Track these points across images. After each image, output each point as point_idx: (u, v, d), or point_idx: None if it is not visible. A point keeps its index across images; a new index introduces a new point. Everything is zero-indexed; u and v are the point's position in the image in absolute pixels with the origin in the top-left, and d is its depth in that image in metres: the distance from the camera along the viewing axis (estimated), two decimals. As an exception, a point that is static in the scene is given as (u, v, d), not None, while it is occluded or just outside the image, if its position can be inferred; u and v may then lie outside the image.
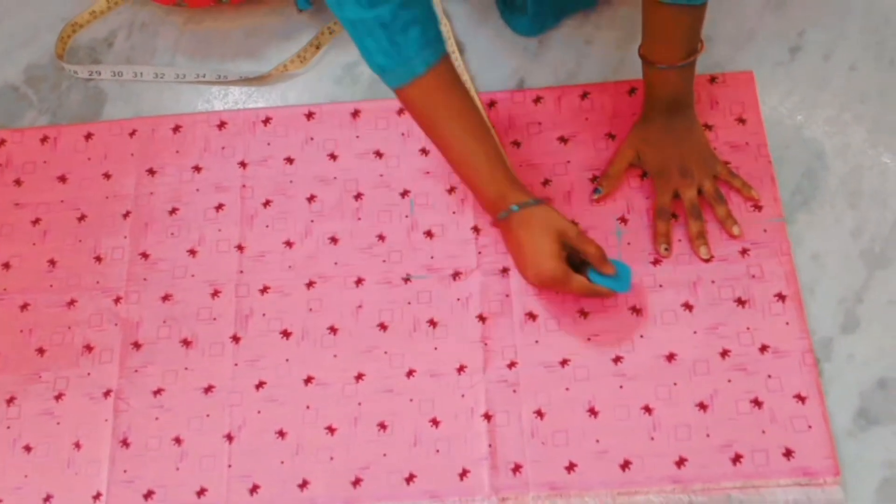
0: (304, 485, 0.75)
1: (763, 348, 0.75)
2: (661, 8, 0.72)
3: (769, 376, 0.74)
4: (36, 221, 0.87)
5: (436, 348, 0.78)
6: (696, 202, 0.79)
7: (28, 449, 0.78)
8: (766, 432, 0.73)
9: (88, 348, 0.81)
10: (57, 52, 0.94)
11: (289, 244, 0.83)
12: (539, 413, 0.75)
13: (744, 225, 0.80)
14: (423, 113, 0.74)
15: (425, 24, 0.68)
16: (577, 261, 0.75)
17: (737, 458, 0.72)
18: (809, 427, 0.72)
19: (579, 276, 0.74)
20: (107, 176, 0.88)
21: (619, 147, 0.82)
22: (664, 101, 0.79)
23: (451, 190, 0.84)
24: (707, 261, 0.78)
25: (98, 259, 0.85)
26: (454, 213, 0.83)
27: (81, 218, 0.87)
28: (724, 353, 0.75)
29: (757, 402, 0.74)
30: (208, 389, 0.79)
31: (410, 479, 0.74)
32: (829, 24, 0.89)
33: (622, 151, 0.82)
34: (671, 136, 0.79)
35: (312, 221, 0.84)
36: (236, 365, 0.79)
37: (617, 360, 0.76)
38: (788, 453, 0.72)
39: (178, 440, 0.77)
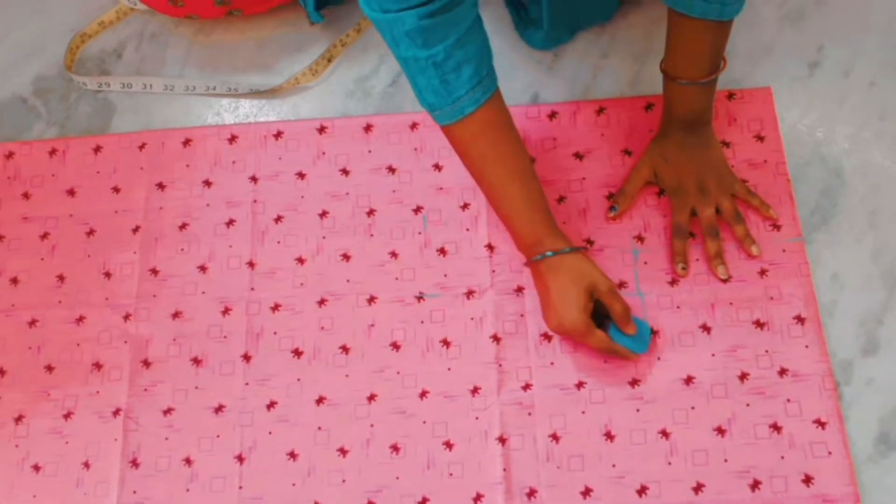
0: (315, 507, 0.74)
1: (782, 371, 0.74)
2: (687, 22, 0.70)
3: (788, 400, 0.73)
4: (44, 236, 0.86)
5: (449, 369, 0.77)
6: (714, 221, 0.78)
7: (37, 468, 0.77)
8: (785, 458, 0.72)
9: (97, 366, 0.80)
10: (66, 63, 0.93)
11: (300, 261, 0.82)
12: (554, 436, 0.74)
13: (762, 245, 0.78)
14: (469, 152, 0.73)
15: (479, 61, 0.67)
16: (601, 313, 0.73)
17: (755, 485, 0.71)
18: (829, 453, 0.71)
19: (600, 331, 0.72)
20: (116, 190, 0.87)
21: (636, 164, 0.81)
22: (683, 117, 0.78)
23: (465, 206, 0.83)
24: (725, 281, 0.77)
25: (107, 275, 0.84)
26: (468, 230, 0.82)
27: (90, 233, 0.86)
28: (743, 377, 0.74)
29: (776, 427, 0.72)
30: (219, 409, 0.78)
31: (423, 502, 0.73)
32: (848, 40, 0.88)
33: (638, 168, 0.80)
34: (689, 154, 0.78)
35: (324, 238, 0.83)
36: (247, 384, 0.78)
37: (633, 382, 0.75)
38: (808, 480, 0.71)
39: (188, 461, 0.76)
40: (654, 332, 0.76)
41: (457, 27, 0.64)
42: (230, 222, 0.85)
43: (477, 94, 0.68)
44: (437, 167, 0.85)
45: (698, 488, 0.71)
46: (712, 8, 0.68)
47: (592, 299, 0.72)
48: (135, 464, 0.77)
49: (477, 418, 0.75)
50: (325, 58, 0.90)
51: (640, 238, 0.80)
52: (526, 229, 0.73)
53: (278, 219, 0.84)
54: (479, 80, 0.67)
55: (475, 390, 0.76)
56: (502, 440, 0.74)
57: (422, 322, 0.79)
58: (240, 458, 0.76)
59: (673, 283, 0.78)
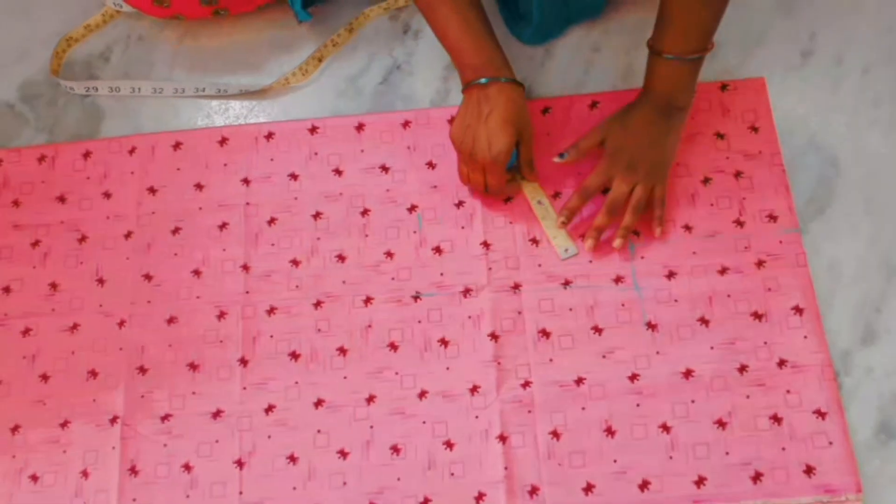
0: (317, 511, 0.73)
1: (781, 363, 0.74)
2: None
3: (788, 391, 0.73)
4: (36, 243, 0.85)
5: (448, 368, 0.77)
6: (621, 202, 0.76)
7: (35, 478, 0.77)
8: (787, 449, 0.72)
9: (93, 374, 0.80)
10: (52, 67, 0.92)
11: (295, 263, 0.82)
12: (555, 433, 0.74)
13: (759, 236, 0.78)
14: None
15: None
16: None
17: (757, 477, 0.71)
18: (830, 443, 0.71)
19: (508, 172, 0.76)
20: (107, 195, 0.86)
21: (599, 122, 0.80)
22: (660, 94, 0.76)
23: (460, 204, 0.82)
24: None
25: (100, 281, 0.83)
26: (463, 227, 0.82)
27: (82, 239, 0.85)
28: (742, 369, 0.74)
29: (776, 419, 0.72)
30: (217, 414, 0.77)
31: (425, 503, 0.73)
32: (840, 27, 0.87)
33: (598, 127, 0.79)
34: (645, 131, 0.77)
35: (318, 239, 0.82)
36: (245, 388, 0.78)
37: (633, 377, 0.75)
38: (809, 470, 0.71)
39: (187, 467, 0.76)
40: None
41: None
42: (223, 225, 0.84)
43: None
44: (431, 165, 0.84)
45: (700, 482, 0.71)
46: None
47: (517, 141, 0.75)
48: (134, 471, 0.76)
49: (477, 417, 0.75)
50: (315, 58, 0.89)
51: (636, 233, 0.80)
52: (477, 51, 0.74)
53: (272, 221, 0.83)
54: None
55: (474, 389, 0.76)
56: (503, 438, 0.74)
57: (419, 322, 0.79)
58: (239, 463, 0.76)
59: (670, 276, 0.78)
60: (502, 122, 0.73)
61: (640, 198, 0.76)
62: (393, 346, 0.78)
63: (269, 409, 0.77)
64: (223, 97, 0.90)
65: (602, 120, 0.79)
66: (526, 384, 0.75)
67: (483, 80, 0.73)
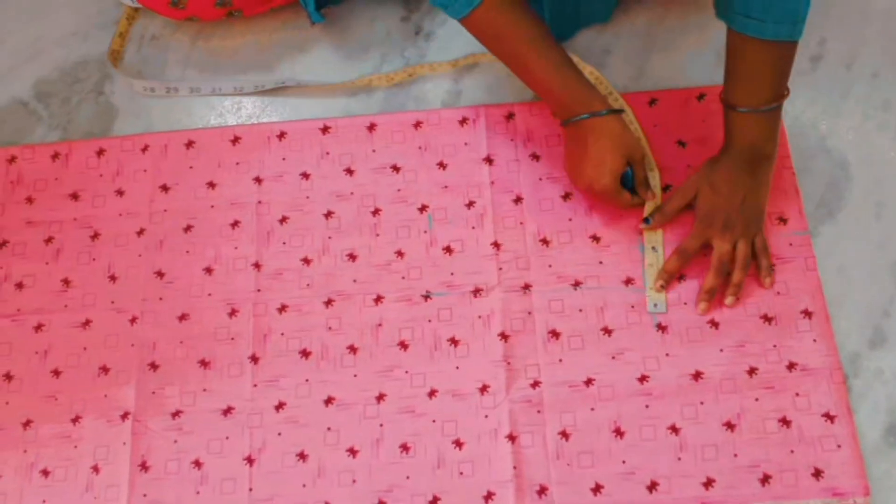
0: (326, 508, 0.74)
1: (791, 366, 0.74)
2: (753, 45, 0.69)
3: (797, 394, 0.73)
4: (49, 240, 0.86)
5: (457, 368, 0.77)
6: (726, 259, 0.75)
7: (46, 473, 0.77)
8: (795, 452, 0.72)
9: (105, 370, 0.80)
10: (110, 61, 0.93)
11: (306, 261, 0.82)
12: (564, 434, 0.74)
13: (769, 239, 0.78)
14: (493, 34, 0.74)
15: None
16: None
17: (765, 479, 0.71)
18: (838, 446, 0.72)
19: (626, 192, 0.77)
20: (119, 193, 0.87)
21: (683, 183, 0.79)
22: (742, 148, 0.75)
23: (470, 204, 0.83)
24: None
25: (112, 278, 0.83)
26: (473, 228, 0.82)
27: (95, 236, 0.85)
28: (752, 371, 0.74)
29: (785, 421, 0.73)
30: (227, 411, 0.78)
31: (434, 501, 0.73)
32: (849, 32, 0.88)
33: (684, 189, 0.78)
34: (736, 187, 0.75)
35: (330, 238, 0.83)
36: (255, 386, 0.78)
37: (642, 378, 0.75)
38: (818, 473, 0.71)
39: (197, 463, 0.76)
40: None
41: None
42: (235, 223, 0.84)
43: None
44: (442, 165, 0.85)
45: (708, 483, 0.71)
46: (783, 28, 0.67)
47: (626, 165, 0.76)
48: (144, 467, 0.77)
49: (486, 416, 0.75)
50: (406, 71, 0.89)
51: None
52: (567, 90, 0.75)
53: (283, 219, 0.84)
54: None
55: (484, 388, 0.76)
56: (512, 438, 0.74)
57: (429, 321, 0.79)
58: (249, 460, 0.76)
59: (680, 279, 0.78)
60: (604, 152, 0.74)
61: (746, 254, 0.76)
62: (403, 345, 0.78)
63: (280, 406, 0.77)
64: (257, 93, 0.90)
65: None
66: (535, 384, 0.76)
67: (584, 116, 0.74)
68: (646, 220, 0.79)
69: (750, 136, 0.74)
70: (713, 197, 0.76)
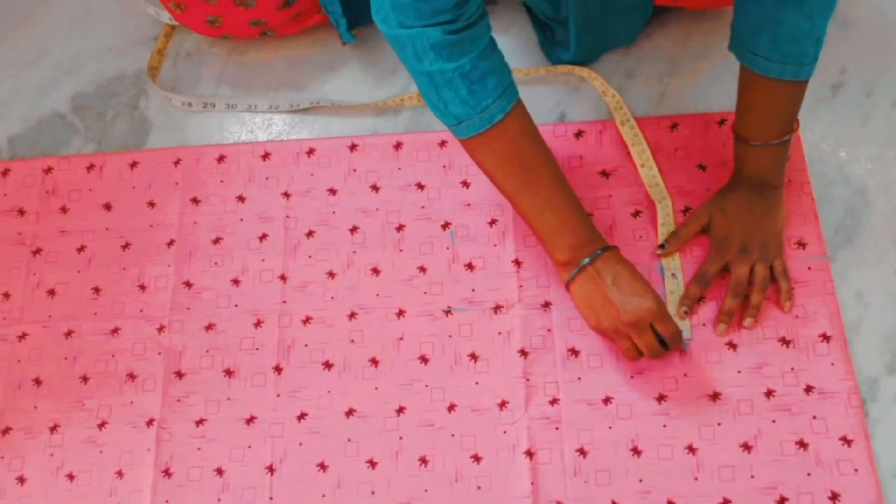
0: (345, 518, 0.75)
1: (808, 389, 0.75)
2: (761, 82, 0.70)
3: (814, 417, 0.74)
4: (81, 249, 0.88)
5: (477, 383, 0.78)
6: (744, 282, 0.76)
7: (71, 477, 0.79)
8: (812, 475, 0.72)
9: (132, 377, 0.82)
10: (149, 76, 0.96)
11: (331, 275, 0.84)
12: (582, 451, 0.75)
13: (788, 262, 0.79)
14: (497, 162, 0.72)
15: (501, 72, 0.69)
16: None
17: (782, 501, 0.71)
18: (856, 470, 0.72)
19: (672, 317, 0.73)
20: (151, 204, 0.89)
21: (696, 209, 0.81)
22: (752, 178, 0.77)
23: (493, 222, 0.85)
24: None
25: (142, 287, 0.86)
26: (495, 245, 0.84)
27: (126, 246, 0.88)
28: (769, 394, 0.75)
29: (802, 444, 0.73)
30: (250, 420, 0.79)
31: (452, 514, 0.74)
32: (870, 60, 0.89)
33: (698, 215, 0.80)
34: (748, 214, 0.77)
35: (354, 252, 0.85)
36: (278, 396, 0.80)
37: (661, 398, 0.76)
38: (834, 497, 0.71)
39: (219, 471, 0.78)
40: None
41: (477, 42, 0.66)
42: (263, 237, 0.86)
43: (503, 103, 0.69)
44: (465, 184, 0.87)
45: (725, 504, 0.72)
46: (789, 69, 0.69)
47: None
48: (167, 473, 0.78)
49: (505, 432, 0.76)
50: None
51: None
52: (576, 233, 0.73)
53: (310, 234, 0.86)
54: (503, 90, 0.69)
55: (503, 404, 0.77)
56: (530, 454, 0.75)
57: (450, 336, 0.80)
58: (270, 469, 0.77)
59: (699, 300, 0.79)
60: (631, 278, 0.72)
61: (765, 276, 0.76)
62: (424, 359, 0.80)
63: (302, 416, 0.79)
64: (289, 111, 0.92)
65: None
66: (554, 401, 0.77)
67: (587, 261, 0.72)
68: (661, 247, 0.80)
69: (758, 167, 0.76)
70: (726, 222, 0.77)
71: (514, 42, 0.93)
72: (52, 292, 0.87)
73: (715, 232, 0.79)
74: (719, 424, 0.74)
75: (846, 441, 0.73)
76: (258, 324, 0.83)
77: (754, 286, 0.77)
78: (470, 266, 0.83)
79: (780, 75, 0.69)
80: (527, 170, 0.72)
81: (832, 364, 0.76)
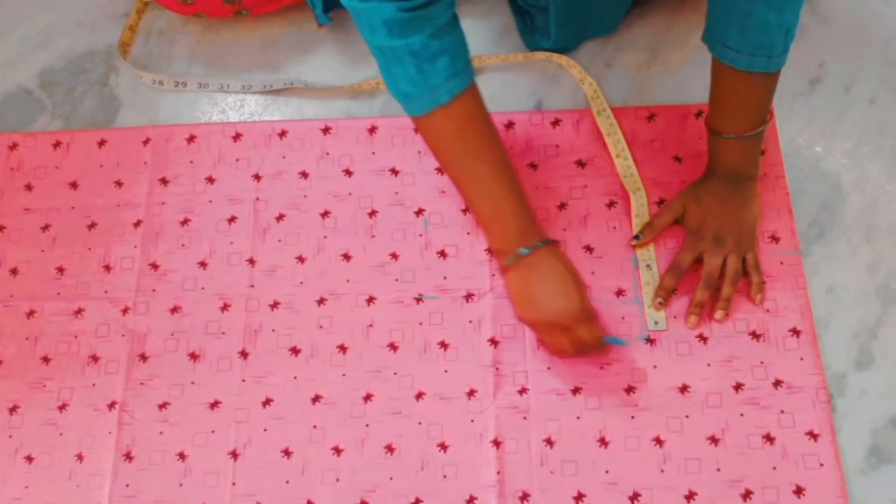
0: (308, 505, 0.74)
1: (777, 383, 0.75)
2: (732, 74, 0.70)
3: (782, 412, 0.74)
4: (45, 227, 0.86)
5: (446, 371, 0.78)
6: (716, 274, 0.76)
7: (29, 459, 0.77)
8: (777, 468, 0.72)
9: (94, 359, 0.80)
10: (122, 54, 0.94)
11: (301, 259, 0.83)
12: (549, 441, 0.74)
13: (761, 256, 0.79)
14: (445, 145, 0.72)
15: (455, 54, 0.68)
16: None
17: (747, 494, 0.71)
18: (821, 465, 0.72)
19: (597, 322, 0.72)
20: (119, 184, 0.88)
21: (671, 200, 0.80)
22: (726, 170, 0.77)
23: (466, 210, 0.84)
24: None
25: (107, 268, 0.84)
26: (468, 233, 0.83)
27: (91, 226, 0.86)
28: (738, 387, 0.75)
29: (769, 438, 0.73)
30: (214, 405, 0.78)
31: (417, 503, 0.73)
32: (849, 56, 0.89)
33: (672, 205, 0.79)
34: (722, 205, 0.77)
35: (325, 237, 0.83)
36: (243, 381, 0.79)
37: (629, 390, 0.75)
38: (799, 491, 0.71)
39: (182, 455, 0.76)
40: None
41: (433, 22, 0.65)
42: (232, 219, 0.85)
43: (452, 85, 0.68)
44: (440, 171, 0.85)
45: (690, 496, 0.72)
46: (758, 60, 0.69)
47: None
48: (128, 457, 0.77)
49: (472, 421, 0.76)
50: None
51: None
52: (515, 222, 0.72)
53: (280, 217, 0.85)
54: (454, 72, 0.68)
55: (471, 393, 0.76)
56: (497, 443, 0.75)
57: (420, 324, 0.79)
58: (234, 455, 0.76)
59: (671, 292, 0.79)
60: (562, 277, 0.71)
61: (736, 268, 0.76)
62: (393, 347, 0.79)
63: (267, 402, 0.78)
64: (261, 92, 0.90)
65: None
66: (522, 391, 0.76)
67: (525, 252, 0.71)
68: (636, 237, 0.80)
69: (732, 159, 0.76)
70: (701, 213, 0.77)
71: (493, 28, 0.92)
72: (14, 271, 0.85)
73: (689, 222, 0.78)
74: (687, 417, 0.74)
75: (812, 435, 0.73)
76: (225, 307, 0.81)
77: (726, 278, 0.76)
78: (443, 254, 0.82)
79: (750, 67, 0.69)
80: (471, 154, 0.71)
81: (801, 359, 0.75)
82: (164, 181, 0.87)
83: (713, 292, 0.77)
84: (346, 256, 0.83)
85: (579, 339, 0.72)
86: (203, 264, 0.83)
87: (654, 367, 0.76)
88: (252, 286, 0.82)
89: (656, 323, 0.77)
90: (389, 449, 0.75)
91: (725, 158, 0.76)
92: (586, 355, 0.75)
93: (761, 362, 0.76)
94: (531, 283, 0.72)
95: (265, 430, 0.77)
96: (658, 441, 0.73)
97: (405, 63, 0.66)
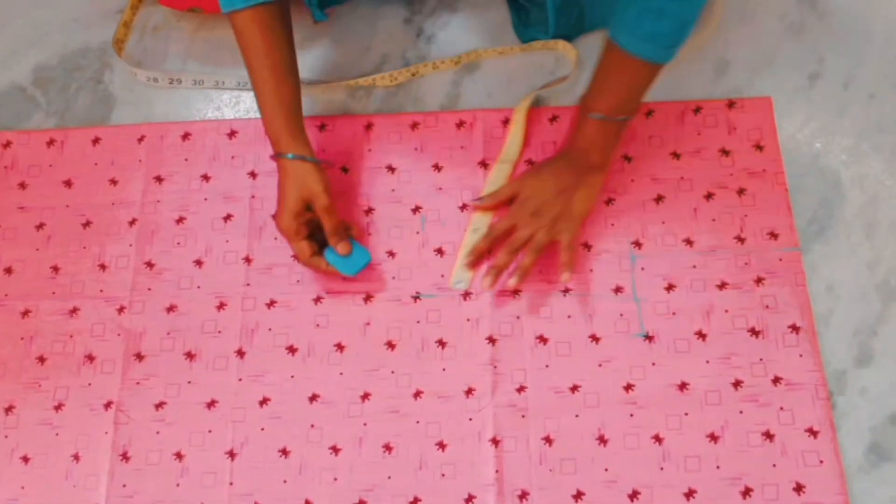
0: (306, 505, 0.73)
1: (776, 380, 0.74)
2: (618, 54, 0.71)
3: (781, 409, 0.73)
4: (40, 226, 0.86)
5: (444, 370, 0.77)
6: (521, 243, 0.77)
7: (26, 460, 0.77)
8: (777, 466, 0.72)
9: (90, 358, 0.80)
10: (118, 52, 0.93)
11: (297, 258, 0.82)
12: (547, 439, 0.74)
13: (759, 253, 0.79)
14: (239, 41, 0.76)
15: None
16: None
17: (746, 492, 0.71)
18: (821, 462, 0.72)
19: (304, 243, 0.76)
20: (113, 182, 0.87)
21: (520, 172, 0.81)
22: (577, 150, 0.77)
23: (464, 207, 0.83)
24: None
25: (102, 267, 0.83)
26: (466, 230, 0.82)
27: (86, 224, 0.85)
28: (737, 384, 0.74)
29: (768, 435, 0.73)
30: (211, 404, 0.77)
31: (415, 502, 0.73)
32: (849, 52, 0.88)
33: (518, 179, 0.80)
34: (555, 183, 0.77)
35: (322, 235, 0.83)
36: (240, 380, 0.78)
37: (628, 387, 0.75)
38: (799, 488, 0.71)
39: (178, 455, 0.76)
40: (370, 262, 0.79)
41: None
42: (227, 217, 0.84)
43: None
44: (437, 167, 0.85)
45: (690, 494, 0.71)
46: (648, 47, 0.70)
47: (308, 210, 0.75)
48: (125, 457, 0.76)
49: (470, 419, 0.75)
50: (410, 71, 0.88)
51: (637, 244, 0.80)
52: (274, 125, 0.76)
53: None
54: None
55: (469, 391, 0.76)
56: (495, 442, 0.74)
57: (417, 322, 0.79)
58: (231, 454, 0.76)
59: (669, 288, 0.78)
60: (283, 193, 0.75)
61: (539, 241, 0.76)
62: (390, 345, 0.78)
63: (264, 401, 0.77)
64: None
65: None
66: (521, 389, 0.76)
67: (290, 156, 0.75)
68: (479, 199, 0.81)
69: (589, 140, 0.77)
70: (535, 184, 0.78)
71: (488, 23, 0.91)
72: (8, 270, 0.84)
73: (521, 192, 0.79)
74: (686, 414, 0.74)
75: (812, 433, 0.73)
76: (221, 306, 0.81)
77: (528, 248, 0.77)
78: (440, 251, 0.82)
79: (640, 52, 0.70)
80: (259, 57, 0.75)
81: (801, 355, 0.75)
82: (158, 179, 0.86)
83: (515, 258, 0.77)
84: (343, 254, 0.82)
85: (301, 247, 0.76)
86: (199, 263, 0.83)
87: (653, 364, 0.76)
88: (248, 285, 0.81)
89: (459, 282, 0.79)
90: (387, 448, 0.75)
91: (581, 137, 0.77)
92: (315, 268, 0.78)
93: (761, 359, 0.75)
94: (280, 187, 0.76)
95: (262, 429, 0.76)
96: (657, 439, 0.73)
97: None
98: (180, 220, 0.84)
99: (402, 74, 0.89)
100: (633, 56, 0.71)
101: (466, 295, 0.79)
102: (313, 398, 0.77)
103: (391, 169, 0.85)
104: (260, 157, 0.86)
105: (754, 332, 0.76)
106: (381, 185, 0.85)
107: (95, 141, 0.89)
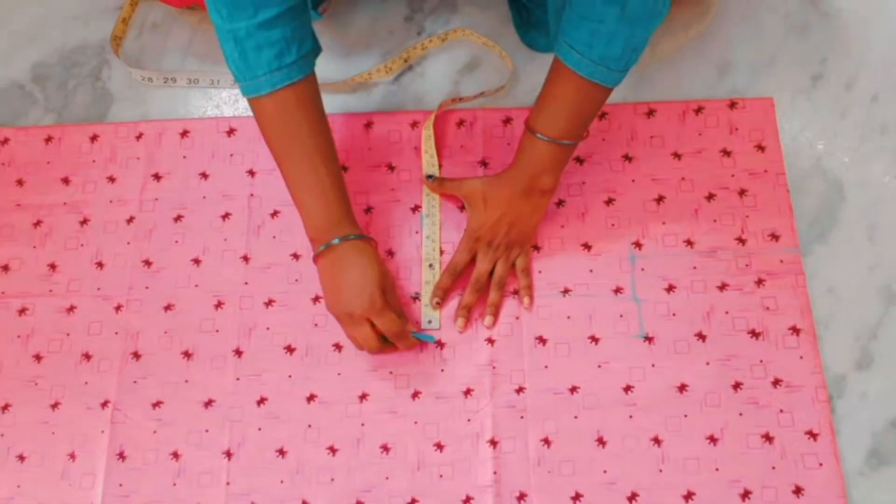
0: (303, 505, 0.73)
1: (776, 382, 0.74)
2: (568, 76, 0.69)
3: (781, 411, 0.73)
4: (37, 224, 0.85)
5: (442, 370, 0.77)
6: (485, 278, 0.77)
7: (21, 458, 0.76)
8: (777, 468, 0.71)
9: (87, 356, 0.79)
10: (115, 51, 0.92)
11: (295, 256, 0.82)
12: (546, 441, 0.73)
13: (760, 255, 0.78)
14: (264, 127, 0.72)
15: (284, 48, 0.67)
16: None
17: (746, 494, 0.71)
18: (820, 465, 0.71)
19: (392, 313, 0.72)
20: (111, 179, 0.86)
21: (471, 177, 0.80)
22: (526, 174, 0.75)
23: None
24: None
25: (100, 265, 0.83)
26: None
27: (84, 222, 0.85)
28: (737, 386, 0.74)
29: (768, 438, 0.72)
30: (208, 403, 0.77)
31: (413, 503, 0.72)
32: (851, 53, 0.88)
33: (467, 181, 0.79)
34: (507, 209, 0.76)
35: (320, 234, 0.82)
36: (238, 379, 0.78)
37: (627, 388, 0.75)
38: (798, 491, 0.71)
39: (175, 455, 0.75)
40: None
41: (264, 10, 0.65)
42: (226, 215, 0.84)
43: (276, 79, 0.68)
44: (437, 167, 0.85)
45: (689, 496, 0.71)
46: (598, 70, 0.68)
47: (381, 289, 0.72)
48: (121, 456, 0.76)
49: (469, 420, 0.75)
50: (402, 58, 0.88)
51: (638, 245, 0.80)
52: (329, 212, 0.72)
53: (274, 213, 0.83)
54: (279, 66, 0.68)
55: (468, 392, 0.76)
56: (494, 443, 0.74)
57: (417, 322, 0.79)
58: (228, 454, 0.75)
59: (669, 290, 0.78)
60: (361, 270, 0.72)
61: (502, 275, 0.77)
62: (389, 345, 0.78)
63: (262, 401, 0.77)
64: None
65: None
66: (520, 390, 0.75)
67: (336, 242, 0.72)
68: (430, 177, 0.81)
69: (538, 163, 0.74)
70: (484, 213, 0.77)
71: (489, 23, 0.91)
72: (5, 268, 0.84)
73: (470, 218, 0.79)
74: (686, 416, 0.73)
75: (812, 435, 0.72)
76: (218, 305, 0.80)
77: (492, 284, 0.77)
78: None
79: (590, 75, 0.68)
80: (293, 141, 0.71)
81: (801, 357, 0.75)
82: (157, 177, 0.86)
83: (483, 295, 0.77)
84: (342, 254, 0.82)
85: (368, 333, 0.71)
86: (197, 261, 0.82)
87: (653, 365, 0.75)
88: (246, 283, 0.81)
89: (430, 322, 0.78)
90: (385, 448, 0.74)
91: (529, 161, 0.75)
92: (394, 350, 0.74)
93: (760, 361, 0.75)
94: (336, 274, 0.72)
95: (260, 429, 0.76)
96: (656, 440, 0.73)
97: (230, 47, 0.67)
98: (178, 218, 0.84)
99: (396, 63, 0.88)
100: (583, 80, 0.69)
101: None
102: (311, 398, 0.76)
103: (391, 168, 0.85)
104: (259, 155, 0.86)
105: (754, 334, 0.76)
106: (381, 183, 0.84)
107: (93, 138, 0.88)
